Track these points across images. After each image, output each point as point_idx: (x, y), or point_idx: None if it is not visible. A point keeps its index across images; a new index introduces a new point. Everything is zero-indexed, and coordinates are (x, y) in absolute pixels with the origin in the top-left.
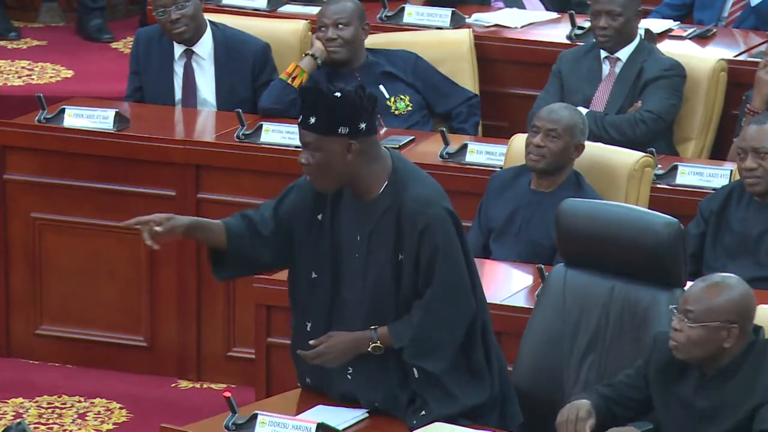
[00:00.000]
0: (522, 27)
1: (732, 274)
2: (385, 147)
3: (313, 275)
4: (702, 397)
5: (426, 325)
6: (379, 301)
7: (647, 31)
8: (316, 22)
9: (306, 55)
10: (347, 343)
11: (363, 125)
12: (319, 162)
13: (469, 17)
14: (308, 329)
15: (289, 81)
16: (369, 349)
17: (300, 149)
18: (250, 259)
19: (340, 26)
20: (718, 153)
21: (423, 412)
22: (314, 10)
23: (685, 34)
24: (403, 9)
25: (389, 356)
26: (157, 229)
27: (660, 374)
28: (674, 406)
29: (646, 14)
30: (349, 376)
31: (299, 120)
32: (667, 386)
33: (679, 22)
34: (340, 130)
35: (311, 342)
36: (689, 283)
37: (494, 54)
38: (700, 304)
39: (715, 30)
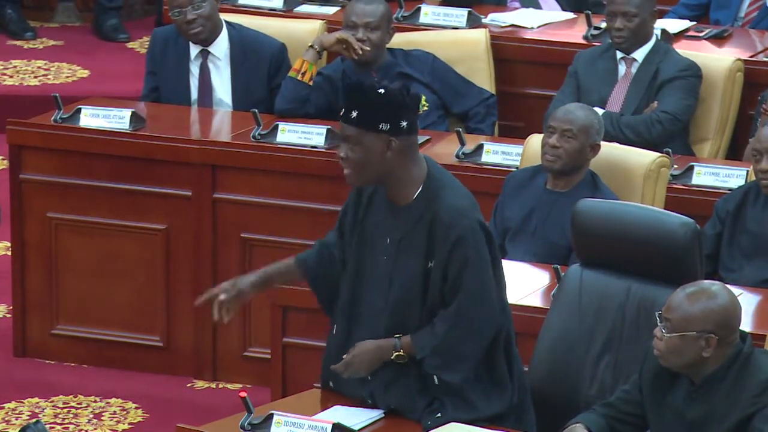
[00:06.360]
0: (538, 27)
1: (717, 282)
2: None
3: (344, 278)
4: (691, 406)
5: (449, 337)
6: (403, 307)
7: (663, 31)
8: (342, 18)
9: (309, 47)
10: (372, 351)
11: (404, 123)
12: (357, 157)
13: (485, 17)
14: (334, 332)
15: (299, 77)
16: (392, 358)
17: (316, 149)
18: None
19: (369, 29)
20: (734, 153)
21: (439, 414)
22: (331, 10)
23: (701, 34)
24: (419, 9)
25: (410, 363)
26: (222, 297)
27: (652, 383)
28: (666, 416)
29: (662, 14)
30: (369, 381)
31: (341, 114)
32: (659, 395)
33: (695, 23)
34: (381, 126)
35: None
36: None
37: (510, 54)
38: (678, 312)
39: (731, 30)
